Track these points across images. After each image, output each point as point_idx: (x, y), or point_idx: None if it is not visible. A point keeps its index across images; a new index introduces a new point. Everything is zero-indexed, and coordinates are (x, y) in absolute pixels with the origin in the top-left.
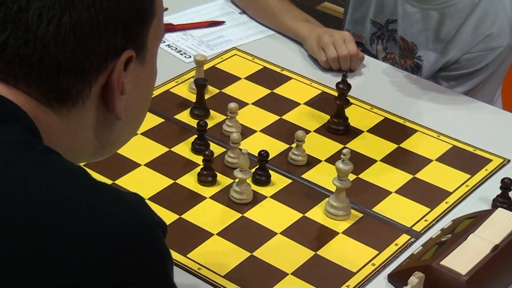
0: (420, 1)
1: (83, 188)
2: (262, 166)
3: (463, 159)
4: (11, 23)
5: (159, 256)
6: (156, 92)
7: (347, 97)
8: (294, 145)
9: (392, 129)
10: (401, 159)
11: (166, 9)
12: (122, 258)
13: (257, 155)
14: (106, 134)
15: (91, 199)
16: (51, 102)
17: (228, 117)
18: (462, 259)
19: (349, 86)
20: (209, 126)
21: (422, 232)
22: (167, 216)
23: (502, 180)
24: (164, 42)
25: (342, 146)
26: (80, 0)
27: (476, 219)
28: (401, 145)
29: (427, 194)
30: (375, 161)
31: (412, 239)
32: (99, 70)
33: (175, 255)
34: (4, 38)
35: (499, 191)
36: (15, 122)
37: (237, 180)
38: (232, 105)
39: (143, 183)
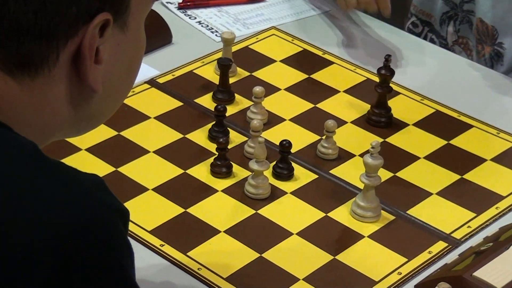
0: None
1: (30, 166)
2: (283, 158)
3: None
4: None
5: (112, 247)
6: (177, 73)
7: (391, 85)
8: (324, 137)
9: (443, 124)
10: (449, 157)
11: None
12: (66, 246)
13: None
14: (83, 108)
15: (37, 178)
16: (11, 69)
17: (253, 102)
18: (499, 272)
19: (392, 72)
20: (232, 112)
21: (462, 240)
22: (171, 210)
23: None
24: (195, 18)
25: (382, 140)
26: None
27: None
28: (451, 142)
29: (475, 198)
30: (417, 158)
31: (450, 247)
32: (68, 34)
33: (173, 253)
34: None
35: None
36: None
37: (253, 172)
38: (257, 89)
39: (149, 171)
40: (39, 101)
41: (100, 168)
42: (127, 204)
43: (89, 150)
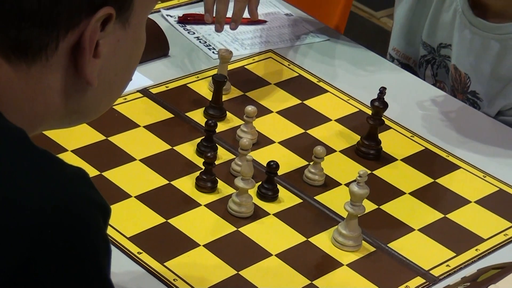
0: (481, 27)
1: (16, 152)
2: (269, 178)
3: (508, 205)
4: None
5: (89, 241)
6: (171, 85)
7: (383, 118)
8: (312, 163)
9: (431, 162)
10: (434, 195)
11: None
12: (41, 234)
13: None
14: (75, 100)
15: (21, 163)
16: (7, 53)
17: (244, 121)
18: None
19: (385, 105)
20: (222, 129)
21: (440, 277)
22: (151, 218)
23: None
24: (194, 33)
25: (368, 171)
26: None
27: (503, 270)
28: (437, 180)
29: (456, 238)
30: (403, 193)
31: (427, 284)
32: (70, 24)
33: (150, 261)
34: None
35: None
36: None
37: (238, 190)
38: (250, 108)
39: (134, 179)
40: (33, 89)
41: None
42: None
43: (75, 151)
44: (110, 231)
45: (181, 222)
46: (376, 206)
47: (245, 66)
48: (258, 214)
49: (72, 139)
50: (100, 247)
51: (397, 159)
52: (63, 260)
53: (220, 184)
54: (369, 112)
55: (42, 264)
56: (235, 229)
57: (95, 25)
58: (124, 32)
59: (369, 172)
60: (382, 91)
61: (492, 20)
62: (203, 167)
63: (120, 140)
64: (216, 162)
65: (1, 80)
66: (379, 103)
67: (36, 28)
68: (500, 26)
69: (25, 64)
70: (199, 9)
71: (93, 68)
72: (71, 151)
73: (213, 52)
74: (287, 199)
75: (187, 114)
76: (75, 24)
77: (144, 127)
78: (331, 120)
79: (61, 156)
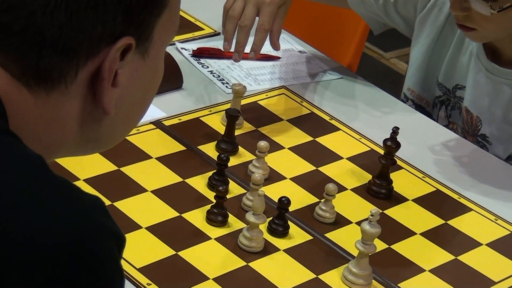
0: (495, 72)
1: (33, 179)
2: (281, 214)
3: None
4: None
5: (104, 273)
6: (184, 118)
7: (395, 158)
8: (323, 200)
9: (442, 203)
10: (445, 237)
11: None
12: (58, 261)
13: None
14: (92, 128)
15: (40, 191)
16: (28, 80)
17: (256, 156)
18: None
19: (398, 145)
20: (234, 164)
21: None
22: (162, 250)
23: None
24: (208, 67)
25: (380, 211)
26: None
27: None
28: (449, 222)
29: (467, 280)
30: (414, 233)
31: None
32: (90, 53)
33: None
34: None
35: None
36: None
37: (249, 225)
38: (262, 143)
39: (145, 210)
40: (51, 116)
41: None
42: None
43: (87, 181)
44: (122, 263)
45: (191, 255)
46: (387, 246)
47: (258, 102)
48: (268, 249)
49: (85, 168)
50: (114, 277)
51: (408, 199)
52: (78, 286)
53: (231, 218)
54: (381, 151)
55: None
56: (245, 263)
57: (115, 55)
58: (143, 62)
59: (380, 211)
60: (395, 131)
61: (505, 66)
62: (214, 201)
63: (132, 171)
64: (228, 196)
65: (20, 106)
66: (392, 143)
67: (56, 56)
68: None
69: (44, 91)
70: (213, 43)
71: (111, 97)
72: (83, 180)
73: (226, 86)
74: (298, 235)
75: (199, 147)
76: (95, 53)
77: (156, 158)
78: (342, 158)
79: None
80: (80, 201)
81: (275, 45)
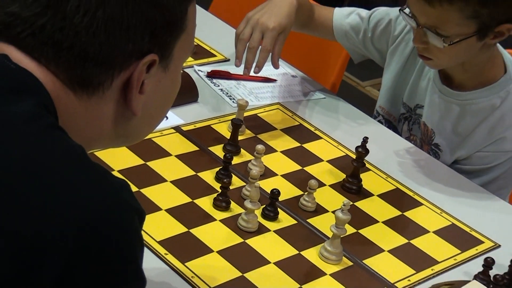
0: (447, 94)
1: (71, 162)
2: (272, 202)
3: (458, 236)
4: (52, 9)
5: (127, 239)
6: (198, 125)
7: (364, 161)
8: (306, 193)
9: (400, 199)
10: (401, 225)
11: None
12: (91, 229)
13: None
14: (122, 126)
15: (74, 172)
16: (74, 86)
17: (254, 157)
18: None
19: (367, 151)
20: (236, 162)
21: None
22: (177, 228)
23: (485, 259)
24: (219, 86)
25: (351, 203)
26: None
27: (452, 286)
28: (404, 213)
29: (416, 259)
30: (377, 221)
31: None
32: (123, 66)
33: (174, 261)
34: (43, 22)
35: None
36: (33, 96)
37: (246, 210)
38: (259, 146)
39: (165, 196)
40: (91, 115)
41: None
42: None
43: (120, 171)
44: (143, 235)
45: (199, 232)
46: (355, 230)
47: (258, 114)
48: (261, 230)
49: (119, 161)
50: (135, 241)
51: (374, 195)
52: (106, 259)
53: (233, 204)
54: (354, 156)
55: (91, 255)
56: (243, 240)
57: (142, 68)
58: (164, 74)
59: (351, 203)
60: (365, 140)
61: (455, 89)
62: (220, 190)
63: (155, 165)
64: (230, 187)
65: (67, 107)
66: (362, 149)
67: (96, 68)
68: (460, 93)
69: (86, 95)
70: (224, 67)
71: (138, 101)
72: (117, 170)
73: (233, 101)
74: (285, 220)
75: (209, 148)
76: (126, 66)
77: (175, 156)
78: (323, 160)
79: None
80: (110, 182)
81: (276, 65)
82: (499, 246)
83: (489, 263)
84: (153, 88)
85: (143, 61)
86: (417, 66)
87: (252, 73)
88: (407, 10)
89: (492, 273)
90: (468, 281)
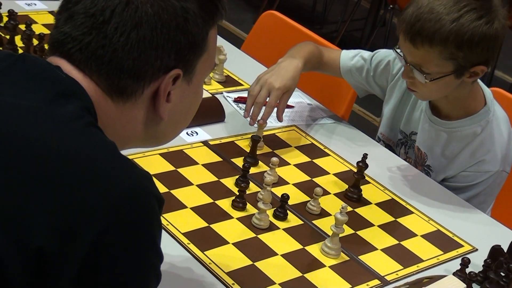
0: (436, 123)
1: (105, 154)
2: (282, 205)
3: (442, 240)
4: (96, 30)
5: (148, 219)
6: (224, 140)
7: (365, 175)
8: (312, 199)
9: (394, 207)
10: (393, 228)
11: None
12: (115, 210)
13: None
14: (152, 129)
15: (107, 162)
16: (111, 94)
17: (270, 167)
18: None
19: (366, 165)
20: (254, 172)
21: (391, 281)
22: (199, 223)
23: (462, 259)
24: (243, 109)
25: (351, 209)
26: (147, 23)
27: (432, 279)
28: (397, 219)
29: (404, 257)
30: (373, 225)
31: (381, 284)
32: (152, 78)
33: (195, 250)
34: (89, 39)
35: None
36: (78, 100)
37: (259, 210)
38: (274, 159)
39: (190, 197)
40: (125, 119)
41: (160, 188)
42: (172, 214)
43: (155, 175)
44: (171, 228)
45: (218, 227)
46: (354, 231)
47: (276, 134)
48: (272, 227)
49: (154, 167)
50: (154, 224)
51: (371, 203)
52: (131, 232)
53: (248, 206)
54: (355, 169)
55: (118, 229)
56: (255, 235)
57: (168, 80)
58: (187, 87)
59: (351, 209)
60: (365, 156)
61: (443, 118)
62: (238, 193)
63: (185, 171)
64: (248, 192)
65: (105, 111)
66: (362, 164)
67: (130, 79)
68: (447, 122)
69: (122, 102)
70: None
71: (165, 108)
72: (153, 174)
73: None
74: (293, 220)
75: (231, 159)
76: (155, 79)
77: (201, 165)
78: (329, 173)
79: None
80: (135, 172)
81: (279, 118)
82: (477, 249)
83: (465, 262)
84: (178, 97)
85: (169, 75)
86: (411, 99)
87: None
88: (399, 49)
89: (468, 271)
90: (445, 275)
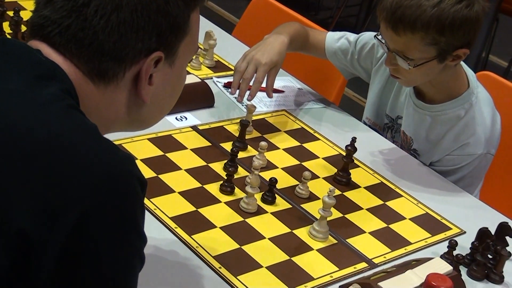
0: (420, 107)
1: (86, 136)
2: (270, 189)
3: (430, 223)
4: (75, 13)
5: (130, 201)
6: (212, 125)
7: (354, 158)
8: (301, 183)
9: (383, 191)
10: (382, 212)
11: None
12: (96, 192)
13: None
14: (135, 112)
15: (88, 144)
16: (93, 76)
17: (259, 152)
18: (397, 286)
19: (355, 149)
20: (243, 156)
21: (378, 264)
22: (187, 207)
23: (450, 241)
24: (233, 94)
25: (340, 192)
26: (127, 5)
27: (419, 261)
28: (386, 203)
29: (392, 240)
30: (361, 208)
31: (369, 267)
32: (133, 61)
33: (182, 233)
34: (69, 22)
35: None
36: (59, 82)
37: (247, 194)
38: (263, 143)
39: (178, 181)
40: (107, 101)
41: (148, 172)
42: (160, 199)
43: (143, 160)
44: (158, 212)
45: (206, 211)
46: (342, 215)
47: (265, 118)
48: (260, 211)
49: (142, 152)
50: (136, 206)
51: (360, 186)
52: (113, 215)
53: (237, 190)
54: (344, 153)
55: (98, 215)
56: (243, 219)
57: (150, 63)
58: (170, 70)
59: (339, 192)
60: (354, 139)
61: (427, 102)
62: (226, 178)
63: (173, 156)
64: (236, 176)
65: (87, 94)
66: (351, 148)
67: (111, 62)
68: (432, 106)
69: (103, 85)
70: None
71: (147, 91)
72: (140, 159)
73: (245, 108)
74: (281, 204)
75: (220, 144)
76: (137, 61)
77: (190, 149)
78: (319, 157)
79: None
80: (117, 154)
81: (269, 95)
82: (465, 232)
83: (452, 245)
84: (160, 80)
85: (151, 57)
86: (396, 84)
87: (263, 85)
88: (380, 36)
89: (455, 253)
90: (432, 257)
